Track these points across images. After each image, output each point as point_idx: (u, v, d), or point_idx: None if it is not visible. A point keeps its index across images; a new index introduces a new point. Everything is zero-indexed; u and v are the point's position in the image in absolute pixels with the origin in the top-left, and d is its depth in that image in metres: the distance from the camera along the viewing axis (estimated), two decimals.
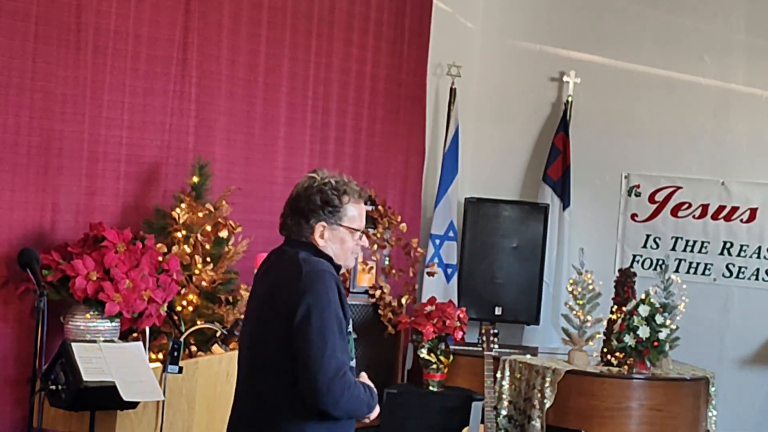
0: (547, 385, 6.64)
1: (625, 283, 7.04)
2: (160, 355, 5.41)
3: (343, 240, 3.52)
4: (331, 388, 3.30)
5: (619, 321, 6.75)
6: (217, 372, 4.92)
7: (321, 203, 3.47)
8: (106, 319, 5.19)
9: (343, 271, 3.63)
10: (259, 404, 3.46)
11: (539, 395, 6.66)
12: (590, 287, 6.98)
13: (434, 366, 6.63)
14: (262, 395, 3.45)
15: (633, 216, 8.05)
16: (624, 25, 8.12)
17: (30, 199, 5.37)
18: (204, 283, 5.72)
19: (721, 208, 7.80)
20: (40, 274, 4.91)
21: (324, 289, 3.37)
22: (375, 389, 3.54)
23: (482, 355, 6.59)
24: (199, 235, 5.73)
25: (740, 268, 7.73)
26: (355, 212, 3.52)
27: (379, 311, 6.88)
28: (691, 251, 7.86)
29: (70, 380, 4.29)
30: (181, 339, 4.81)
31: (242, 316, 5.68)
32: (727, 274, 7.77)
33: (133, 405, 4.44)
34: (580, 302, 6.95)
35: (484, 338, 6.64)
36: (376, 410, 3.53)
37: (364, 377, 3.55)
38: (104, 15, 5.63)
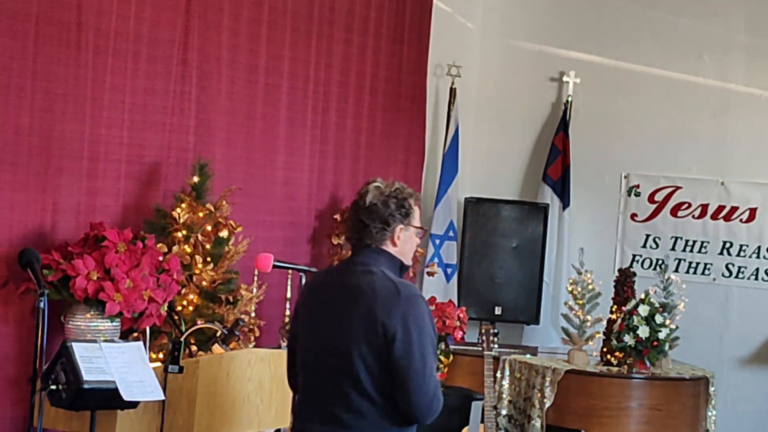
0: (547, 384, 6.65)
1: (624, 282, 7.05)
2: (161, 355, 5.42)
3: (411, 239, 3.85)
4: (431, 406, 3.70)
5: (619, 321, 6.76)
6: (218, 372, 4.92)
7: (396, 207, 3.78)
8: (106, 319, 5.19)
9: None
10: (344, 410, 3.70)
11: (539, 395, 6.67)
12: (590, 287, 6.99)
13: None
14: (346, 402, 3.70)
15: (633, 216, 8.06)
16: (624, 25, 8.12)
17: (30, 198, 5.37)
18: (204, 283, 5.72)
19: (721, 208, 7.81)
20: (40, 274, 4.91)
21: (421, 314, 3.68)
22: None
23: (482, 354, 6.59)
24: (199, 235, 5.74)
25: (740, 267, 7.73)
26: (417, 213, 3.87)
27: None
28: (691, 251, 7.87)
29: (70, 380, 4.29)
30: (182, 339, 4.81)
31: (242, 316, 5.72)
32: (727, 273, 7.78)
33: (134, 405, 4.44)
34: (580, 302, 6.96)
35: (484, 338, 6.64)
36: None
37: None
38: (105, 15, 5.63)
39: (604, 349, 6.88)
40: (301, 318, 3.91)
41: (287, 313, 5.93)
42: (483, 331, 6.73)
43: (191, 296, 5.69)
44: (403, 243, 3.81)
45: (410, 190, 3.85)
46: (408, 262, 3.85)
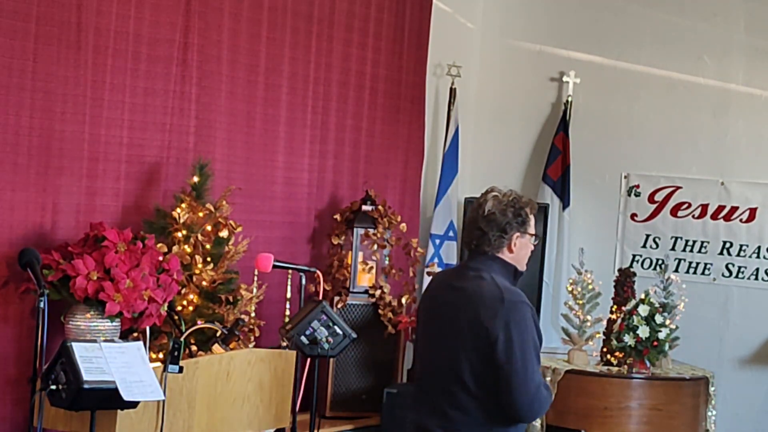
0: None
1: (624, 282, 7.05)
2: (161, 355, 5.42)
3: (527, 246, 4.01)
4: (532, 407, 3.83)
5: (619, 321, 6.76)
6: (218, 372, 4.93)
7: (513, 216, 3.95)
8: (106, 319, 5.20)
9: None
10: (451, 407, 3.90)
11: None
12: (590, 287, 6.99)
13: None
14: (453, 400, 3.89)
15: (633, 216, 8.05)
16: (624, 25, 8.12)
17: (30, 199, 5.38)
18: (204, 283, 5.72)
19: (721, 208, 7.80)
20: (40, 274, 4.92)
21: (524, 319, 3.84)
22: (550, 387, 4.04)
23: None
24: (199, 235, 5.74)
25: (740, 267, 7.73)
26: (532, 221, 4.04)
27: (379, 311, 6.88)
28: (691, 251, 7.87)
29: (70, 380, 4.29)
30: (182, 339, 4.81)
31: (242, 316, 5.72)
32: (727, 273, 7.77)
33: (134, 405, 4.44)
34: (580, 302, 6.96)
35: None
36: None
37: None
38: (105, 15, 5.64)
39: (604, 349, 6.88)
40: (420, 318, 4.15)
41: (287, 313, 5.93)
42: None
43: (191, 296, 5.69)
44: (519, 249, 3.98)
45: (527, 199, 4.03)
46: (522, 268, 4.02)
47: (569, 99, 8.11)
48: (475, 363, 3.84)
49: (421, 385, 4.07)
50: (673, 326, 6.76)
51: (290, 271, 5.93)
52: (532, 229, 4.02)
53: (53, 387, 4.33)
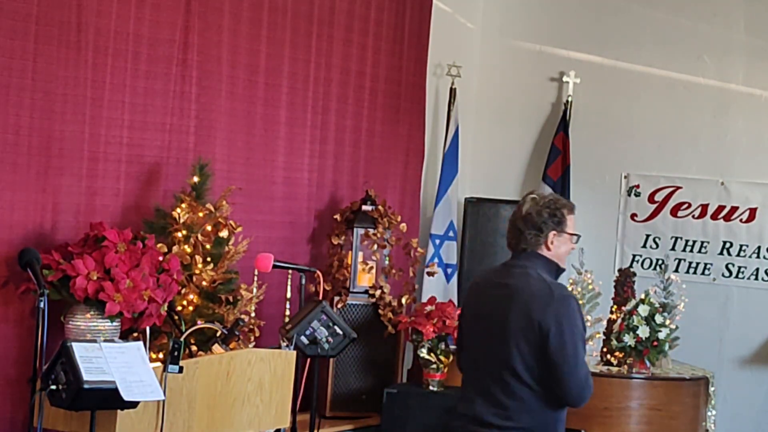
0: None
1: (624, 282, 7.05)
2: (161, 355, 5.42)
3: (566, 244, 4.29)
4: (583, 392, 4.17)
5: (619, 321, 6.76)
6: (218, 372, 4.92)
7: (549, 216, 4.24)
8: (106, 319, 5.20)
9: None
10: (504, 395, 4.18)
11: None
12: (590, 287, 6.99)
13: (434, 366, 6.63)
14: (506, 389, 4.17)
15: (633, 216, 8.05)
16: (624, 25, 8.12)
17: (30, 199, 5.38)
18: (204, 283, 5.72)
19: (721, 208, 7.80)
20: (40, 274, 4.92)
21: (573, 312, 4.15)
22: None
23: None
24: (199, 235, 5.74)
25: (740, 267, 7.73)
26: (572, 221, 4.31)
27: (379, 311, 6.88)
28: (691, 251, 7.87)
29: (70, 380, 4.29)
30: (182, 339, 4.81)
31: (242, 316, 5.72)
32: (727, 273, 7.77)
33: (134, 405, 4.44)
34: (580, 302, 6.94)
35: None
36: None
37: None
38: (105, 15, 5.64)
39: (604, 349, 6.88)
40: (465, 313, 4.45)
41: (287, 313, 5.94)
42: None
43: (191, 296, 5.69)
44: (557, 247, 4.26)
45: (565, 201, 4.33)
46: (563, 265, 4.31)
47: (569, 99, 8.11)
48: (526, 354, 4.11)
49: (471, 378, 4.35)
50: (673, 326, 6.75)
51: (290, 271, 5.94)
52: (570, 229, 4.28)
53: (53, 387, 4.33)
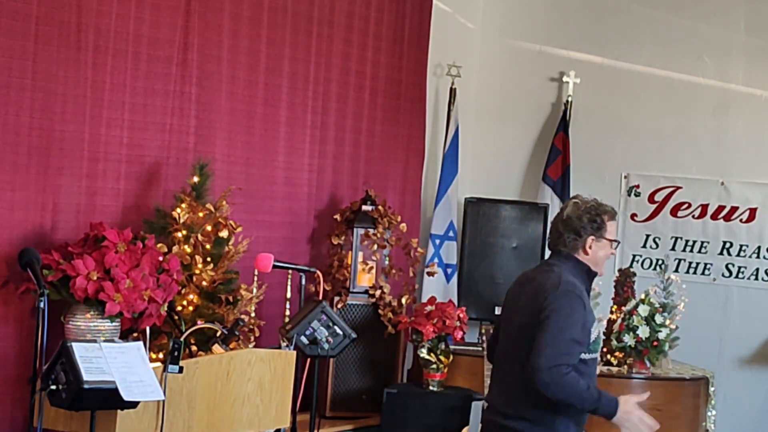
0: None
1: (624, 283, 7.05)
2: (161, 355, 5.42)
3: (604, 249, 4.38)
4: (547, 376, 4.09)
5: (619, 321, 6.76)
6: (218, 372, 4.92)
7: (588, 221, 4.34)
8: (106, 319, 5.20)
9: (597, 278, 4.46)
10: (515, 388, 4.29)
11: None
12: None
13: (434, 366, 6.63)
14: (520, 375, 4.23)
15: (633, 216, 8.05)
16: (624, 25, 8.12)
17: (30, 199, 5.38)
18: (204, 283, 5.72)
19: (721, 208, 7.80)
20: (40, 274, 4.92)
21: (570, 305, 4.20)
22: (610, 397, 4.20)
23: (482, 355, 6.59)
24: (199, 235, 5.74)
25: (740, 267, 7.73)
26: (612, 227, 4.39)
27: (379, 311, 6.88)
28: (691, 251, 7.87)
29: (70, 380, 4.29)
30: (182, 339, 4.81)
31: (242, 316, 5.72)
32: (727, 273, 7.77)
33: (134, 405, 4.44)
34: None
35: (484, 338, 6.64)
36: (619, 416, 4.19)
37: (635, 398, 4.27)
38: (105, 15, 5.64)
39: (604, 349, 6.88)
40: (502, 309, 4.57)
41: (287, 313, 5.94)
42: (483, 331, 6.73)
43: (191, 296, 5.69)
44: (595, 252, 4.36)
45: (606, 207, 4.41)
46: (597, 270, 4.39)
47: (569, 99, 8.11)
48: (531, 344, 4.18)
49: (495, 368, 4.53)
50: (673, 326, 6.75)
51: (290, 271, 5.93)
52: (609, 235, 4.37)
53: (53, 387, 4.33)
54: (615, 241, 4.41)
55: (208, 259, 5.77)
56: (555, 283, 4.27)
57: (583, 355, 4.24)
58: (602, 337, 4.54)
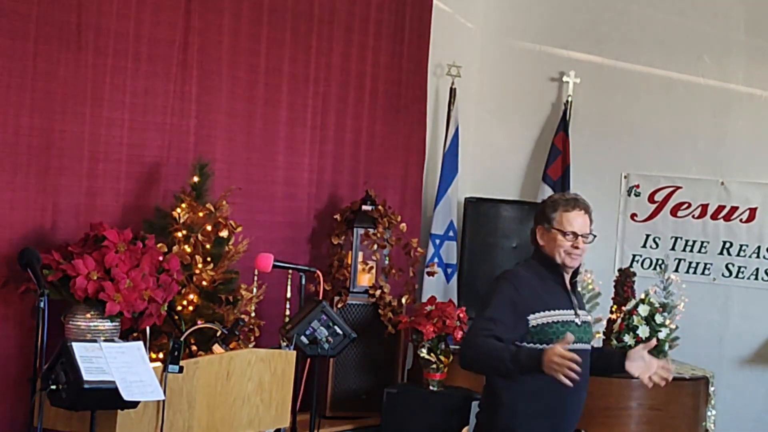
0: None
1: (624, 282, 7.05)
2: (161, 355, 5.42)
3: (555, 239, 4.39)
4: (462, 351, 4.29)
5: (619, 321, 6.76)
6: (218, 372, 4.93)
7: (540, 211, 4.45)
8: (106, 319, 5.20)
9: (572, 266, 4.49)
10: (486, 385, 4.59)
11: None
12: (590, 287, 6.99)
13: (434, 366, 6.63)
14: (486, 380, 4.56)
15: (632, 216, 8.05)
16: (624, 25, 8.12)
17: (31, 199, 5.38)
18: (204, 283, 5.73)
19: (721, 207, 7.80)
20: (40, 274, 4.92)
21: (498, 285, 4.33)
22: (533, 350, 4.22)
23: None
24: (199, 235, 5.74)
25: (740, 267, 7.73)
26: (568, 219, 4.41)
27: (379, 311, 6.88)
28: (691, 251, 7.87)
29: (70, 380, 4.29)
30: (182, 339, 4.81)
31: (242, 316, 5.73)
32: (727, 273, 7.77)
33: (134, 405, 4.44)
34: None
35: None
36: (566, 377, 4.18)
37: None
38: (105, 15, 5.64)
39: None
40: None
41: (287, 313, 5.94)
42: None
43: (191, 296, 5.69)
44: (547, 242, 4.41)
45: (567, 198, 4.48)
46: (558, 260, 4.41)
47: (569, 99, 8.11)
48: None
49: None
50: (673, 326, 6.75)
51: (290, 271, 5.94)
52: (561, 226, 4.38)
53: (53, 387, 4.33)
54: (568, 233, 4.39)
55: (208, 259, 5.77)
56: (503, 270, 4.47)
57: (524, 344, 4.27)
58: (562, 329, 4.45)
